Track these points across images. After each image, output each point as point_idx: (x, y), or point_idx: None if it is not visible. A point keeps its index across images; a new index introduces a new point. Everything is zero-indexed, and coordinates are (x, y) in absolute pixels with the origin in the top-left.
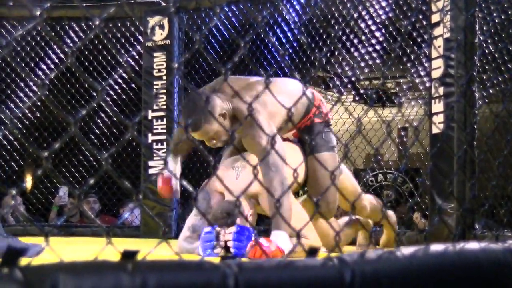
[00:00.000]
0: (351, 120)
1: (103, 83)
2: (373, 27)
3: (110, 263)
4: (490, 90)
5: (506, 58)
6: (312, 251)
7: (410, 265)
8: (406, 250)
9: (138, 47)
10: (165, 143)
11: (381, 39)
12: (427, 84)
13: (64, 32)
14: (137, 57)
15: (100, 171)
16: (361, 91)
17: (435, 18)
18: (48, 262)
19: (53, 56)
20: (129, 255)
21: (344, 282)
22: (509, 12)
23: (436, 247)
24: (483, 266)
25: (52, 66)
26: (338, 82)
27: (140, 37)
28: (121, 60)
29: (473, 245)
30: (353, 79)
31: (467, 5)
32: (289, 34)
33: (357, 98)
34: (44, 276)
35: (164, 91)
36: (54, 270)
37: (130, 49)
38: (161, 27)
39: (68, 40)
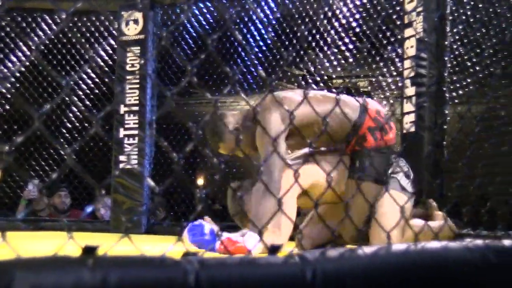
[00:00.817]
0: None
1: (70, 77)
2: (346, 26)
3: (70, 258)
4: (460, 91)
5: (475, 60)
6: (274, 249)
7: (372, 264)
8: (368, 249)
9: (112, 42)
10: (136, 138)
11: (353, 38)
12: (400, 84)
13: (36, 24)
14: (111, 51)
15: (65, 165)
16: (333, 89)
17: (407, 18)
18: (3, 259)
19: (25, 49)
20: (90, 250)
21: (306, 280)
22: (477, 16)
23: (398, 246)
24: (444, 264)
25: (23, 58)
26: (310, 80)
27: (114, 32)
28: (92, 54)
29: (434, 244)
30: (325, 77)
31: (439, 6)
32: (263, 31)
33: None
34: None
35: (137, 86)
36: (9, 266)
37: (104, 43)
38: (136, 22)
39: (41, 32)
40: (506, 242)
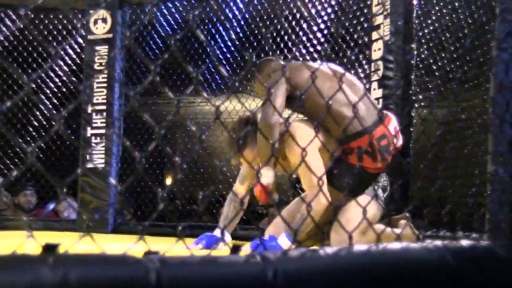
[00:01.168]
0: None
1: (32, 75)
2: (315, 28)
3: (30, 256)
4: (425, 94)
5: (439, 64)
6: (235, 248)
7: (333, 264)
8: (330, 249)
9: (80, 40)
10: (104, 137)
11: (322, 40)
12: (367, 86)
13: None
14: (78, 50)
15: (25, 164)
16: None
17: (375, 21)
18: None
19: None
20: (50, 249)
21: (267, 279)
22: (445, 19)
23: (359, 247)
24: (404, 265)
25: None
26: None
27: (82, 30)
28: (55, 52)
29: (394, 245)
30: None
31: (406, 10)
32: (235, 30)
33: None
34: None
35: (105, 85)
36: None
37: (71, 41)
38: (104, 20)
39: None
40: (464, 243)
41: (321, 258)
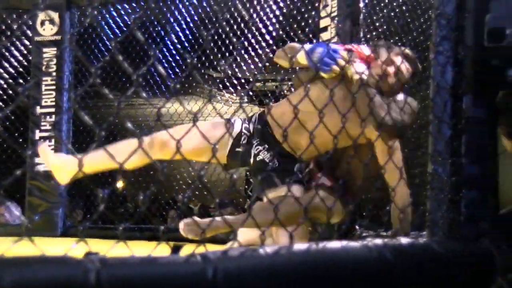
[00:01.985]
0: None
1: None
2: (264, 30)
3: None
4: None
5: None
6: (176, 248)
7: (273, 263)
8: (270, 248)
9: (27, 42)
10: (53, 140)
11: (271, 42)
12: None
13: None
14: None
15: None
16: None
17: (323, 23)
18: None
19: None
20: None
21: (207, 278)
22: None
23: (300, 246)
24: (343, 263)
25: None
26: (235, 83)
27: (29, 32)
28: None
29: (334, 244)
30: (245, 80)
31: (353, 12)
32: (186, 33)
33: (253, 99)
34: None
35: (54, 87)
36: None
37: (18, 43)
38: (52, 22)
39: None
40: (403, 241)
41: (261, 257)
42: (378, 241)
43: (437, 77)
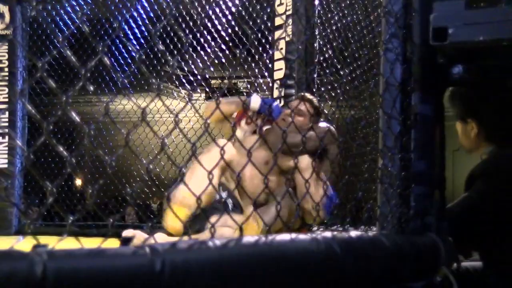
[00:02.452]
0: (196, 119)
1: None
2: (220, 27)
3: None
4: (330, 93)
5: (342, 63)
6: (126, 240)
7: (221, 255)
8: (219, 241)
9: None
10: (7, 137)
11: (227, 39)
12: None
13: None
14: None
15: None
16: (213, 90)
17: (278, 21)
18: None
19: None
20: None
21: (154, 270)
22: (346, 20)
23: (249, 239)
24: (290, 255)
25: None
26: (192, 80)
27: None
28: None
29: (283, 236)
30: (206, 77)
31: (307, 10)
32: (142, 29)
33: (210, 96)
34: None
35: (7, 83)
36: None
37: None
38: (1, 16)
39: None
40: (352, 234)
41: (209, 250)
42: (327, 234)
43: (386, 74)
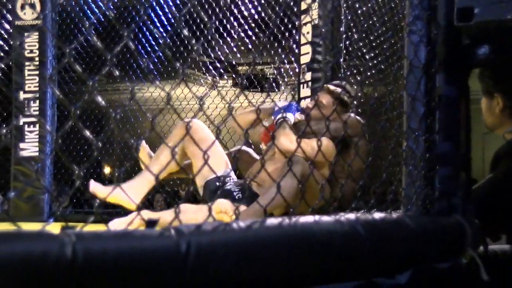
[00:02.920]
0: (223, 105)
1: None
2: (246, 13)
3: None
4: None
5: (368, 46)
6: (151, 222)
7: (245, 236)
8: (243, 223)
9: (7, 26)
10: (37, 125)
11: (253, 25)
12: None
13: None
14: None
15: None
16: (239, 76)
17: (304, 5)
18: None
19: None
20: None
21: (180, 251)
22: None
23: (273, 220)
24: (314, 236)
25: None
26: (218, 66)
27: (8, 15)
28: None
29: (307, 218)
30: (233, 63)
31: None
32: (168, 15)
33: (237, 82)
34: None
35: (37, 72)
36: None
37: None
38: (32, 6)
39: None
40: (376, 216)
41: (234, 231)
42: (351, 215)
43: (410, 56)
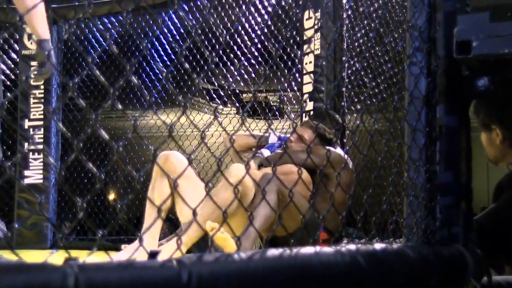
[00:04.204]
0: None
1: None
2: (249, 43)
3: None
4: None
5: (370, 75)
6: (153, 254)
7: (246, 267)
8: (244, 254)
9: (14, 55)
10: (41, 153)
11: (257, 54)
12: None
13: None
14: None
15: None
16: (243, 104)
17: (307, 34)
18: None
19: None
20: None
21: (181, 282)
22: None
23: (273, 251)
24: (315, 267)
25: None
26: (222, 94)
27: (16, 45)
28: None
29: (308, 249)
30: (237, 91)
31: (335, 24)
32: (172, 45)
33: (240, 110)
34: None
35: (42, 100)
36: None
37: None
38: None
39: None
40: (377, 246)
41: (235, 262)
42: (352, 246)
43: (410, 87)
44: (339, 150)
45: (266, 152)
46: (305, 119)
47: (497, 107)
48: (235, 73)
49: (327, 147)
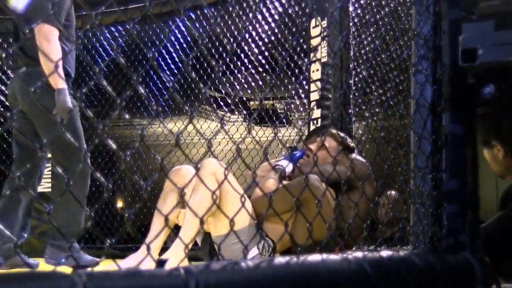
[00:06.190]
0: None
1: None
2: (257, 50)
3: None
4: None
5: (377, 83)
6: (161, 262)
7: (253, 275)
8: (251, 262)
9: None
10: (50, 161)
11: (263, 62)
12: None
13: None
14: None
15: None
16: (250, 112)
17: (313, 43)
18: None
19: None
20: None
21: None
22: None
23: (280, 259)
24: (322, 275)
25: None
26: (229, 102)
27: None
28: None
29: (315, 257)
30: (244, 99)
31: (342, 31)
32: (179, 53)
33: (248, 118)
34: None
35: None
36: None
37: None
38: None
39: None
40: (383, 254)
41: (242, 270)
42: (358, 254)
43: (416, 95)
44: (360, 158)
45: (284, 163)
46: (313, 126)
47: (493, 124)
48: (242, 81)
49: (351, 156)
